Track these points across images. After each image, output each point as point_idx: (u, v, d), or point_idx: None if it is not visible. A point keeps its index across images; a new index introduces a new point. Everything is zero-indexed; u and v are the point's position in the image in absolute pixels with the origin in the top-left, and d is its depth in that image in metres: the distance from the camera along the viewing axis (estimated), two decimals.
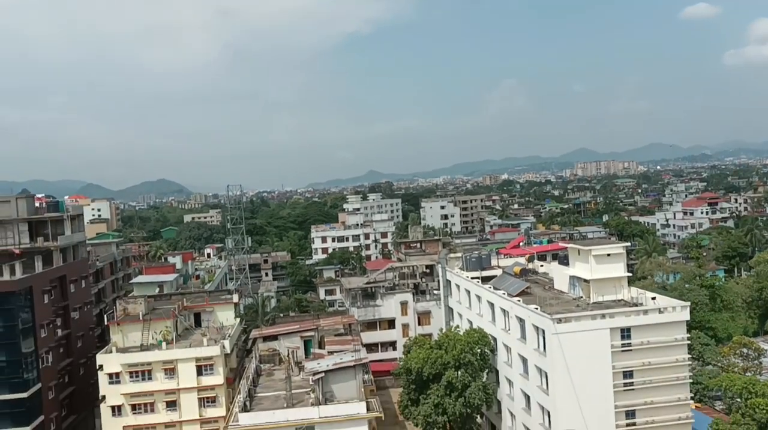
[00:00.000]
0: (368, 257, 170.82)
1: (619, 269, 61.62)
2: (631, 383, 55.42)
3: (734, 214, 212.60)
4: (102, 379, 67.91)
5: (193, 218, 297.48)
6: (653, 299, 59.70)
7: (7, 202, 77.24)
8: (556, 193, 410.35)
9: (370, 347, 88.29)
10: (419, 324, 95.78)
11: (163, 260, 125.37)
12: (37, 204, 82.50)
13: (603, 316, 55.65)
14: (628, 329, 55.43)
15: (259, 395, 58.93)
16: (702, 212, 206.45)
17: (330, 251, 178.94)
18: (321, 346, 69.07)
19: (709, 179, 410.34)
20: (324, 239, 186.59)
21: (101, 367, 67.93)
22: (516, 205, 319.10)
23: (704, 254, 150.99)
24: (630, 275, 66.90)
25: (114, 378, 67.52)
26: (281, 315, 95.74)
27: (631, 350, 55.29)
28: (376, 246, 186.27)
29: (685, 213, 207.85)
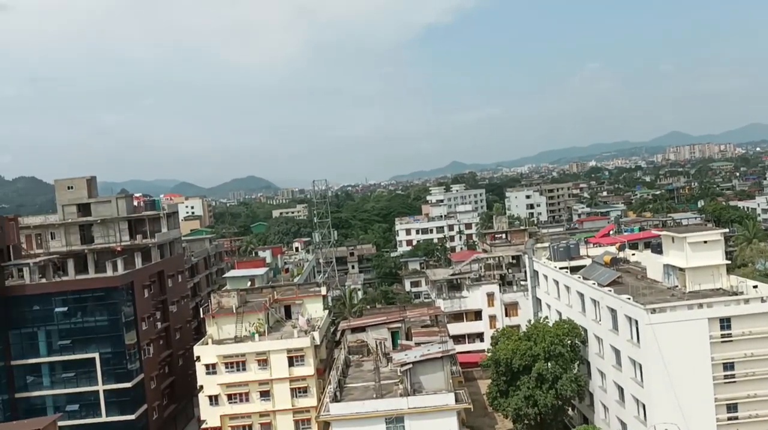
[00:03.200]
0: (453, 249, 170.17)
1: (717, 257, 59.04)
2: (733, 375, 53.07)
3: None
4: (199, 369, 70.68)
5: (281, 213, 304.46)
6: (755, 287, 56.85)
7: (108, 202, 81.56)
8: (647, 179, 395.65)
9: (457, 339, 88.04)
10: (506, 315, 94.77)
11: (253, 255, 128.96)
12: (135, 203, 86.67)
13: (700, 305, 53.52)
14: (728, 319, 53.09)
15: (348, 385, 59.87)
16: None
17: (414, 242, 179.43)
18: (408, 337, 69.44)
19: None
20: (408, 231, 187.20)
21: (198, 358, 70.71)
22: (605, 193, 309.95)
23: None
24: (729, 262, 64.05)
25: (210, 369, 70.13)
26: (368, 307, 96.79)
27: (731, 340, 52.93)
28: (460, 237, 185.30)
29: None
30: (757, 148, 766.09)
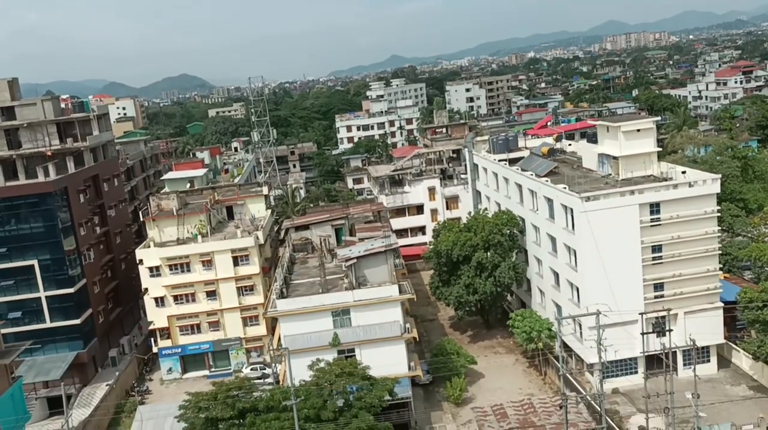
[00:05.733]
0: (394, 145, 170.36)
1: (649, 145, 60.78)
2: (660, 257, 56.00)
3: None
4: (143, 272, 70.63)
5: (217, 113, 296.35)
6: (683, 173, 59.15)
7: (33, 104, 77.63)
8: (585, 69, 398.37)
9: (400, 233, 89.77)
10: (447, 209, 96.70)
11: (191, 156, 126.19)
12: (62, 105, 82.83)
13: (632, 192, 55.55)
14: (658, 204, 55.42)
15: (294, 282, 60.81)
16: (736, 82, 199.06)
17: (356, 139, 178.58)
18: (352, 233, 70.34)
19: (745, 47, 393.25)
20: (349, 128, 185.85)
21: (141, 261, 70.42)
22: (543, 84, 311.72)
23: (737, 124, 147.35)
24: (660, 149, 66.09)
25: (154, 271, 70.14)
26: (311, 205, 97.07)
27: (660, 224, 55.48)
28: (401, 133, 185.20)
29: (718, 83, 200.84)
30: (690, 36, 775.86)
